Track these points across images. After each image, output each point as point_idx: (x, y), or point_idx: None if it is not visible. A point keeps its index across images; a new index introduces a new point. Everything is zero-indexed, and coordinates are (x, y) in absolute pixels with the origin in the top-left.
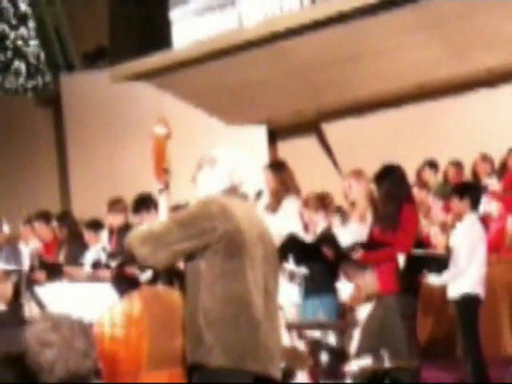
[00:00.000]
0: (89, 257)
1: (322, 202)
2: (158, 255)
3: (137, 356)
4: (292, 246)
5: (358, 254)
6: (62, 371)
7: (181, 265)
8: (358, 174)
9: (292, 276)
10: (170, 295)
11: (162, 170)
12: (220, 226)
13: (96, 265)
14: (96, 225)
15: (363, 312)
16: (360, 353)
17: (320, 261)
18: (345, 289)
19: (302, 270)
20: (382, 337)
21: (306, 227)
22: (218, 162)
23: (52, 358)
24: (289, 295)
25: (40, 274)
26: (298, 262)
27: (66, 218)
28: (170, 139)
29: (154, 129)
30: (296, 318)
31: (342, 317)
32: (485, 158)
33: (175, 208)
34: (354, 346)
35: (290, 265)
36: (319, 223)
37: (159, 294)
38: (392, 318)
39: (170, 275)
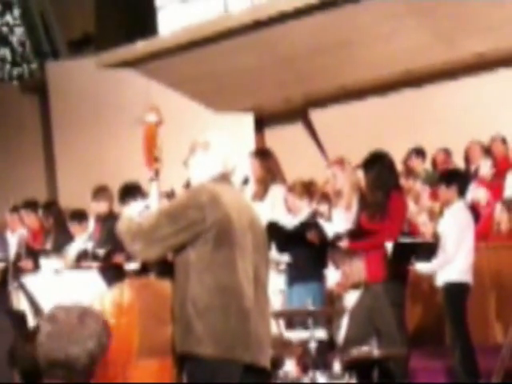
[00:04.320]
0: (73, 248)
1: (308, 189)
2: (150, 251)
3: (127, 345)
4: (273, 234)
5: (344, 243)
6: (50, 350)
7: (170, 255)
8: (341, 162)
9: (277, 264)
10: (160, 284)
11: (153, 158)
12: (209, 215)
13: (82, 255)
14: (79, 215)
15: (350, 299)
16: (348, 341)
17: (304, 247)
18: (332, 276)
19: (284, 258)
20: (371, 325)
21: (289, 212)
22: (212, 147)
23: (47, 332)
24: (274, 283)
25: (27, 262)
26: (280, 249)
27: (52, 207)
28: (161, 127)
29: (145, 117)
30: (282, 306)
31: (330, 304)
32: (478, 143)
33: (169, 195)
34: (342, 334)
35: (272, 252)
36: (303, 210)
37: (149, 283)
38: (380, 305)
39: (161, 266)
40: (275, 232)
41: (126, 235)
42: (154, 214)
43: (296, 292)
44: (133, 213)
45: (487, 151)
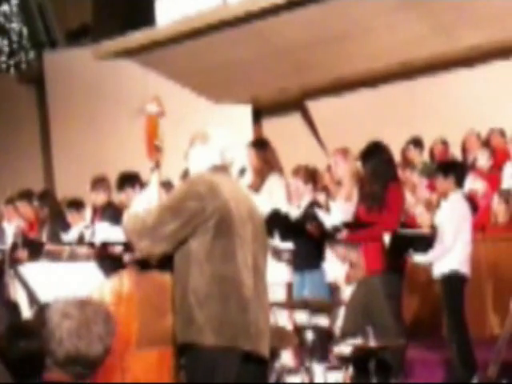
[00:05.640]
0: (71, 235)
1: (312, 175)
2: (156, 248)
3: (126, 334)
4: (277, 222)
5: (342, 234)
6: (71, 345)
7: None
8: (344, 151)
9: (276, 252)
10: (160, 274)
11: (154, 149)
12: (209, 204)
13: (79, 242)
14: (77, 204)
15: (349, 292)
16: (345, 332)
17: (306, 237)
18: (332, 269)
19: (288, 246)
20: (367, 317)
21: (289, 197)
22: (211, 139)
23: (67, 329)
24: (276, 273)
25: (22, 253)
26: (284, 237)
27: (46, 196)
28: (162, 117)
29: (146, 107)
30: (284, 297)
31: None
32: (475, 135)
33: (165, 185)
34: (339, 325)
35: (276, 241)
36: (305, 196)
37: (149, 273)
38: (377, 298)
39: (160, 259)
40: (279, 220)
41: (132, 233)
42: (156, 210)
43: (308, 280)
44: (138, 209)
45: (486, 143)
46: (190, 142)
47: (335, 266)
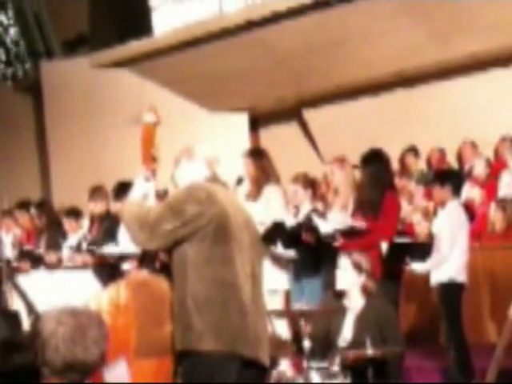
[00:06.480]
0: (70, 243)
1: (311, 182)
2: (153, 243)
3: (124, 344)
4: (279, 231)
5: (338, 242)
6: (68, 352)
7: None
8: (341, 160)
9: (277, 259)
10: (157, 283)
11: (150, 158)
12: (207, 210)
13: (77, 250)
14: (75, 212)
15: (358, 301)
16: (357, 344)
17: (302, 245)
18: (344, 277)
19: (291, 254)
20: (380, 327)
21: (288, 205)
22: (195, 154)
23: (63, 335)
24: (274, 281)
25: (24, 264)
26: (287, 246)
27: (44, 205)
28: (159, 127)
29: (143, 117)
30: (281, 305)
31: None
32: (471, 143)
33: (160, 195)
34: (347, 335)
35: (279, 249)
36: (305, 202)
37: (147, 282)
38: (388, 306)
39: (155, 263)
40: (281, 229)
41: (134, 221)
42: (159, 207)
43: (307, 288)
44: (138, 197)
45: (495, 150)
46: (174, 163)
47: (350, 274)
